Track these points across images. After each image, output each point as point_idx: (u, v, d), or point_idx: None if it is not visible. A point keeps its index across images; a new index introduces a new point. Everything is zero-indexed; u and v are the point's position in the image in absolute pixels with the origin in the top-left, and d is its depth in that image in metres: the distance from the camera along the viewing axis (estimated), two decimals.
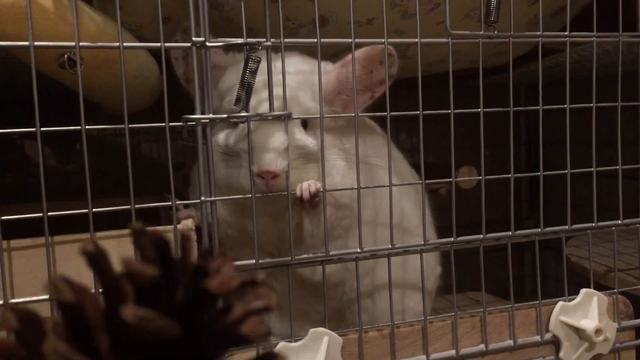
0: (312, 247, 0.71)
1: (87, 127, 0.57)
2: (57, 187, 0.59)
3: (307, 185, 0.67)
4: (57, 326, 0.22)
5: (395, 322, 0.69)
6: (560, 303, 0.75)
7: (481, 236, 0.72)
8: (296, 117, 0.68)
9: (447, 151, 0.69)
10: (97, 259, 0.22)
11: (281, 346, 0.64)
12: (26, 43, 0.54)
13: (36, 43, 0.54)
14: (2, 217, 0.55)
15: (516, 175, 0.73)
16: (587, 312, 0.75)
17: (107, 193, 0.68)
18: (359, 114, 0.68)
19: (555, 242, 0.82)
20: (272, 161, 0.65)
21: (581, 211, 0.75)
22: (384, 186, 0.69)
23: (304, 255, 0.67)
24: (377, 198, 0.75)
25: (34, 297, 0.57)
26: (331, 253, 0.67)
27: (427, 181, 0.70)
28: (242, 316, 0.23)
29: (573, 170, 0.74)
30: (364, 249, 0.68)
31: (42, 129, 0.56)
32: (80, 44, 0.56)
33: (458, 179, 0.75)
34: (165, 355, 0.22)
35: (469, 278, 0.98)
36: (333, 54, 0.81)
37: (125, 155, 0.58)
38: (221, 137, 0.70)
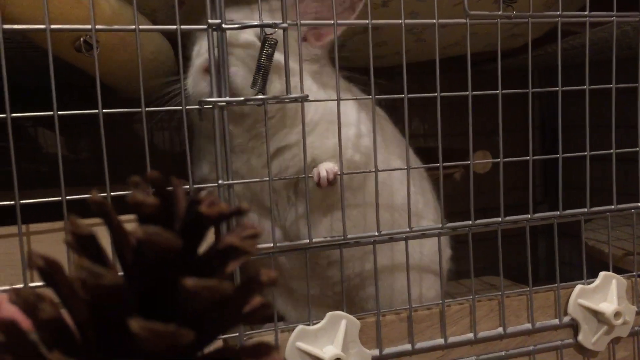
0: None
1: (104, 110, 0.57)
2: (68, 175, 0.59)
3: (325, 174, 0.67)
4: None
5: (413, 306, 0.69)
6: (579, 286, 0.74)
7: (499, 219, 0.72)
8: (312, 100, 0.67)
9: (458, 136, 0.69)
10: (102, 207, 0.26)
11: (299, 329, 0.64)
12: (42, 26, 0.54)
13: (52, 26, 0.54)
14: (21, 202, 0.55)
15: (535, 157, 0.72)
16: (605, 295, 0.74)
17: (117, 179, 0.68)
18: (376, 97, 0.67)
19: (570, 227, 0.81)
20: None
21: (595, 196, 0.75)
22: (401, 169, 0.69)
23: (321, 239, 0.67)
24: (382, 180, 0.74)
25: None
26: (349, 236, 0.67)
27: (444, 164, 0.70)
28: (233, 241, 0.25)
29: (592, 152, 0.74)
30: (382, 233, 0.68)
31: (59, 112, 0.56)
32: (96, 27, 0.56)
33: (475, 161, 0.75)
34: (170, 274, 0.24)
35: (482, 263, 0.97)
36: None
37: (135, 141, 0.58)
38: None
